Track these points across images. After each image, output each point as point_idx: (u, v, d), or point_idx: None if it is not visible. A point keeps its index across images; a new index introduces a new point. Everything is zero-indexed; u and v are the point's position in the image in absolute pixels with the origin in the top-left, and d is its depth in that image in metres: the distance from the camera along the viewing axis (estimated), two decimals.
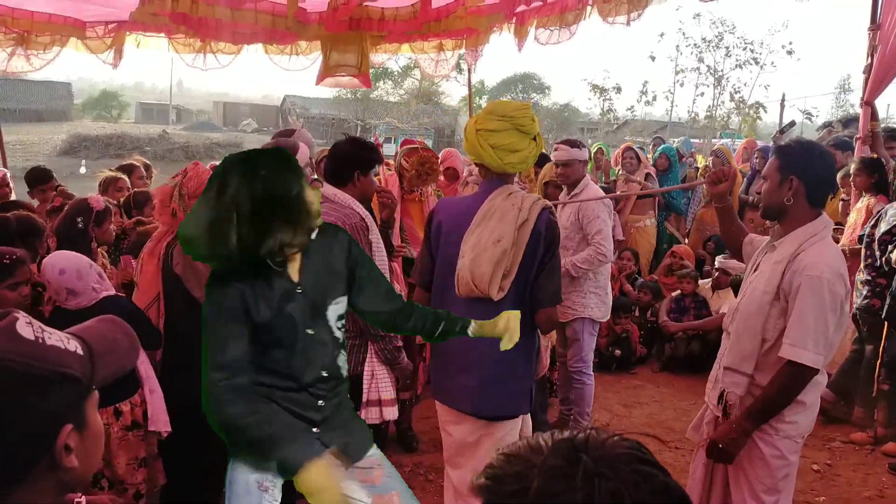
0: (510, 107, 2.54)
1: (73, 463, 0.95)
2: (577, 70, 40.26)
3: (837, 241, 4.47)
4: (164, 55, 6.08)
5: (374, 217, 3.10)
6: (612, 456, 0.69)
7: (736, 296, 3.14)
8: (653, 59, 29.20)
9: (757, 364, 2.40)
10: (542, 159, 5.26)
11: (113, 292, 2.91)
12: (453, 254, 2.49)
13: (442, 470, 2.99)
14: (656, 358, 5.88)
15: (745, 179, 6.99)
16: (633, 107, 33.95)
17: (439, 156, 5.14)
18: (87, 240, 3.39)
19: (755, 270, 2.51)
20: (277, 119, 44.42)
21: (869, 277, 4.30)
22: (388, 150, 16.46)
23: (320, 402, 2.07)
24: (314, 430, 2.07)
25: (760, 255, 2.54)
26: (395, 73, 37.36)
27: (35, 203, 4.80)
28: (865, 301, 4.30)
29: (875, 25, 4.53)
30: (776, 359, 2.33)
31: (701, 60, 30.19)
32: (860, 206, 4.70)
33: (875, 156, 4.69)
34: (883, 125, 4.89)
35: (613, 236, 4.32)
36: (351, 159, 2.96)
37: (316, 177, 3.65)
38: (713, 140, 24.66)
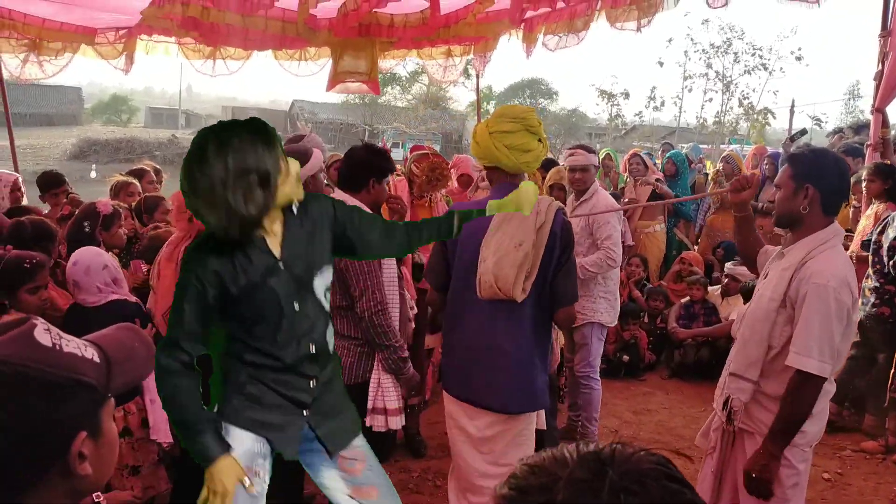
0: (519, 109, 2.67)
1: (87, 470, 0.95)
2: (584, 75, 40.42)
3: (848, 248, 4.45)
4: (174, 60, 6.11)
5: None
6: (638, 471, 0.69)
7: (745, 303, 3.12)
8: (661, 64, 29.27)
9: (763, 371, 2.39)
10: (549, 163, 5.27)
11: (123, 296, 2.92)
12: (471, 258, 2.55)
13: None
14: (665, 365, 5.86)
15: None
16: (641, 112, 33.98)
17: (451, 162, 5.17)
18: (95, 243, 3.40)
19: (765, 278, 2.51)
20: (286, 124, 44.51)
21: (877, 284, 4.27)
22: (396, 155, 16.48)
23: (311, 382, 2.06)
24: (304, 412, 2.07)
25: (770, 262, 2.53)
26: (403, 78, 37.47)
27: (46, 207, 4.84)
28: (874, 309, 4.27)
29: (886, 32, 4.52)
30: (782, 366, 2.32)
31: (709, 66, 30.20)
32: (870, 212, 4.67)
33: (888, 162, 4.67)
34: (894, 132, 4.86)
35: (623, 241, 4.34)
36: (367, 166, 2.97)
37: (328, 182, 3.66)
38: (722, 146, 24.59)
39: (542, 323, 2.60)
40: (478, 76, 7.38)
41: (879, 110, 4.66)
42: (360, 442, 2.23)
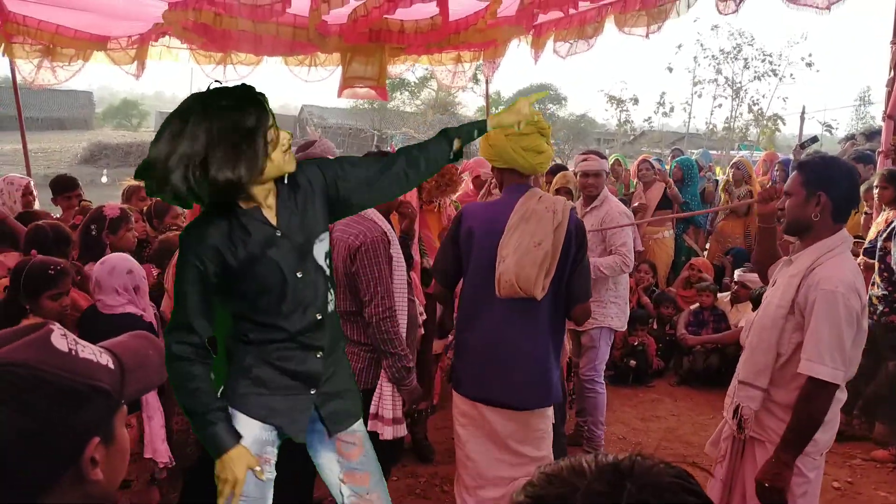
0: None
1: (99, 476, 0.96)
2: (593, 81, 40.35)
3: (857, 255, 4.42)
4: (184, 65, 6.16)
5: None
6: (657, 484, 0.68)
7: (755, 310, 3.11)
8: (670, 70, 29.14)
9: (772, 379, 2.38)
10: (557, 169, 5.27)
11: (139, 313, 2.89)
12: (487, 257, 2.60)
13: None
14: (674, 371, 5.83)
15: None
16: (650, 118, 33.89)
17: (469, 164, 5.19)
18: (101, 246, 3.43)
19: (773, 285, 2.51)
20: (295, 128, 44.65)
21: (885, 292, 4.24)
22: None
23: (318, 353, 2.06)
24: (311, 391, 2.07)
25: (778, 269, 2.53)
26: (412, 83, 37.50)
27: (57, 211, 4.87)
28: (883, 318, 4.24)
29: None
30: (792, 374, 2.31)
31: (719, 72, 30.07)
32: (880, 220, 4.65)
33: None
34: None
35: (633, 247, 4.35)
36: None
37: None
38: (731, 152, 24.51)
39: (557, 320, 2.70)
40: (487, 82, 7.40)
41: (892, 117, 4.64)
42: (360, 427, 2.24)
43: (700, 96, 31.25)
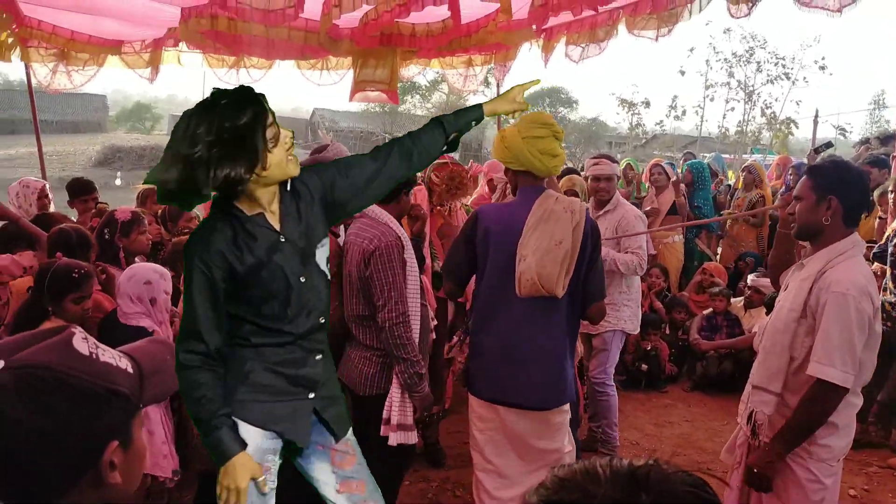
0: (546, 116, 2.83)
1: (117, 479, 0.96)
2: (605, 84, 40.21)
3: (868, 259, 4.37)
4: (197, 69, 6.19)
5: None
6: (673, 494, 0.67)
7: (768, 315, 3.09)
8: (682, 73, 28.95)
9: (786, 383, 2.37)
10: (568, 172, 5.26)
11: (153, 328, 2.85)
12: (505, 258, 2.64)
13: (470, 485, 2.97)
14: (688, 377, 5.79)
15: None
16: (662, 121, 33.69)
17: (484, 168, 5.20)
18: (114, 249, 3.45)
19: (785, 290, 2.50)
20: (307, 132, 44.82)
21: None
22: None
23: (318, 356, 2.08)
24: (310, 395, 2.08)
25: (790, 274, 2.52)
26: (423, 87, 37.56)
27: (73, 213, 4.90)
28: (894, 323, 4.18)
29: None
30: (805, 378, 2.30)
31: (731, 75, 29.85)
32: (895, 225, 4.60)
33: None
34: None
35: (647, 250, 4.36)
36: None
37: None
38: (744, 155, 24.35)
39: (574, 319, 2.76)
40: (498, 85, 7.38)
41: None
42: (351, 435, 2.25)
43: (712, 100, 31.00)
